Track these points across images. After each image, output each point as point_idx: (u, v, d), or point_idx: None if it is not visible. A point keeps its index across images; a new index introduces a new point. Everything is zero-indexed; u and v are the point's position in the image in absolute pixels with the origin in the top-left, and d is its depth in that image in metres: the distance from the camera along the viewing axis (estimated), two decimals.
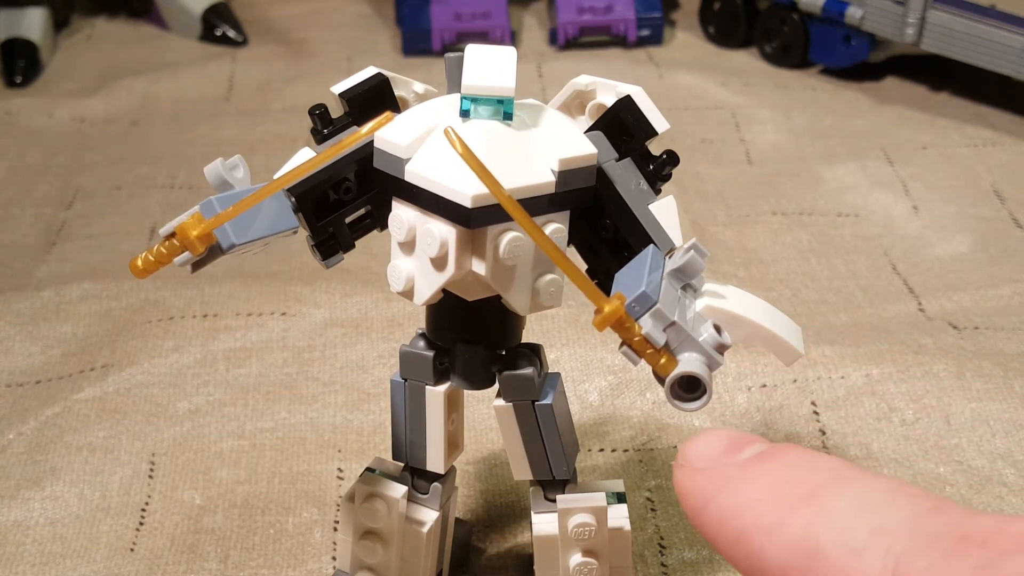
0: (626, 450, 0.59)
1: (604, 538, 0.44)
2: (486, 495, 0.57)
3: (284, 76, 1.03)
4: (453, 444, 0.45)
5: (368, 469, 0.46)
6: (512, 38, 1.07)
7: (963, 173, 0.86)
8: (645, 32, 1.08)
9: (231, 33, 1.10)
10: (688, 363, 0.36)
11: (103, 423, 0.61)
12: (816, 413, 0.61)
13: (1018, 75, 0.90)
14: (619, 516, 0.44)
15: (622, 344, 0.36)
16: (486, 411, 0.59)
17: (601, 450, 0.59)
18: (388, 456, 0.47)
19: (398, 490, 0.45)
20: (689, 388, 0.36)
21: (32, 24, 1.05)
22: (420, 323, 0.43)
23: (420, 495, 0.46)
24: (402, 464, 0.46)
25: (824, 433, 0.60)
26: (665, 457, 0.59)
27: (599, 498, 0.44)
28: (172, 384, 0.64)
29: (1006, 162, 0.88)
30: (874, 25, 0.96)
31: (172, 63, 1.06)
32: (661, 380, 0.37)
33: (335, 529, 0.55)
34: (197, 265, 0.37)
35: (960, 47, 0.93)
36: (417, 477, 0.46)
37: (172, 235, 0.36)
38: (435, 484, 0.45)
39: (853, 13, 0.97)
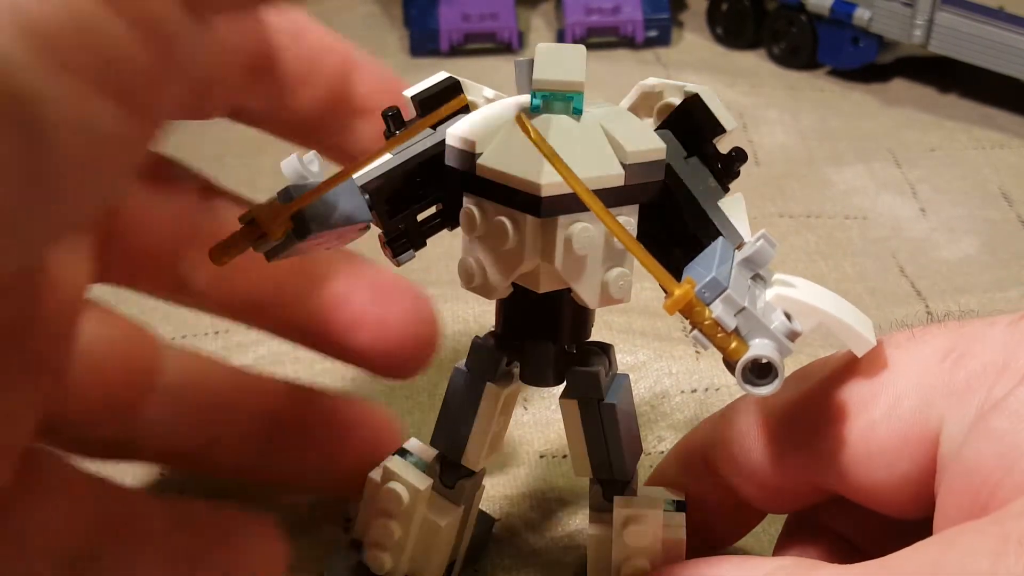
0: (648, 453, 0.59)
1: (657, 545, 0.43)
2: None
3: None
4: (494, 445, 0.45)
5: (402, 450, 0.46)
6: (520, 39, 1.07)
7: (971, 175, 0.86)
8: (653, 33, 1.08)
9: None
10: (760, 348, 0.36)
11: None
12: None
13: None
14: (675, 524, 0.43)
15: (692, 328, 0.36)
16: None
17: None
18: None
19: (423, 480, 0.45)
20: (760, 373, 0.36)
21: None
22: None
23: (445, 488, 0.45)
24: (436, 452, 0.45)
25: None
26: None
27: (655, 503, 0.43)
28: None
29: (1014, 164, 0.88)
30: (882, 26, 0.96)
31: None
32: (730, 366, 0.37)
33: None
34: (272, 253, 0.37)
35: (968, 49, 0.93)
36: (446, 469, 0.45)
37: (251, 221, 0.36)
38: (461, 480, 0.45)
39: (861, 14, 0.97)
